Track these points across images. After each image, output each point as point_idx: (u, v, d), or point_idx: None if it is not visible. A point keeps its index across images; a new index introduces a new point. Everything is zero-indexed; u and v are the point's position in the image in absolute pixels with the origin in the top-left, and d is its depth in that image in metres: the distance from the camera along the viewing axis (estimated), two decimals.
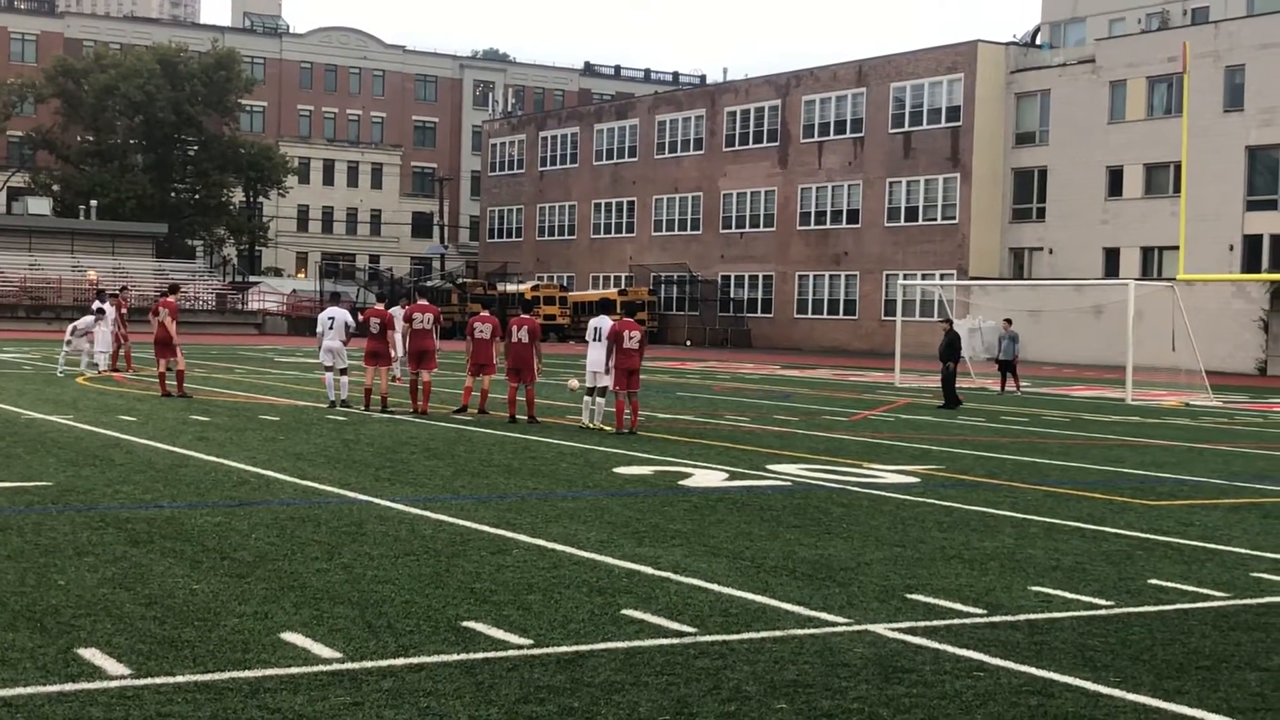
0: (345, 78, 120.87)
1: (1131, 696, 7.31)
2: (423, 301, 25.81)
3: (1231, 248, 61.62)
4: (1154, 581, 10.51)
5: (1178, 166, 56.65)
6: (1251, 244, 61.68)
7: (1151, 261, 65.67)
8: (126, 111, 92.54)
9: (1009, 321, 39.10)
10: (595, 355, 22.30)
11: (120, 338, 34.48)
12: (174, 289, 29.76)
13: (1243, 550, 12.15)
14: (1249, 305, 60.41)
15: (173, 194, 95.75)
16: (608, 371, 21.96)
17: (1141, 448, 22.56)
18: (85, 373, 32.52)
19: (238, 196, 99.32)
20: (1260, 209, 61.50)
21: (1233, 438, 25.27)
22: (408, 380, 25.74)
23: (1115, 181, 67.34)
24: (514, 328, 23.20)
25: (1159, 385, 38.73)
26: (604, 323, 22.61)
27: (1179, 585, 10.39)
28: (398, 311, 33.91)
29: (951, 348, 32.41)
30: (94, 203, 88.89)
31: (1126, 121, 66.77)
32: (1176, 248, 48.50)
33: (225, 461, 16.36)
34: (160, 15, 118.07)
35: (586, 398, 22.48)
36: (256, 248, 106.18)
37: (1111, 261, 67.14)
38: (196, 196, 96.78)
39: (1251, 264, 61.01)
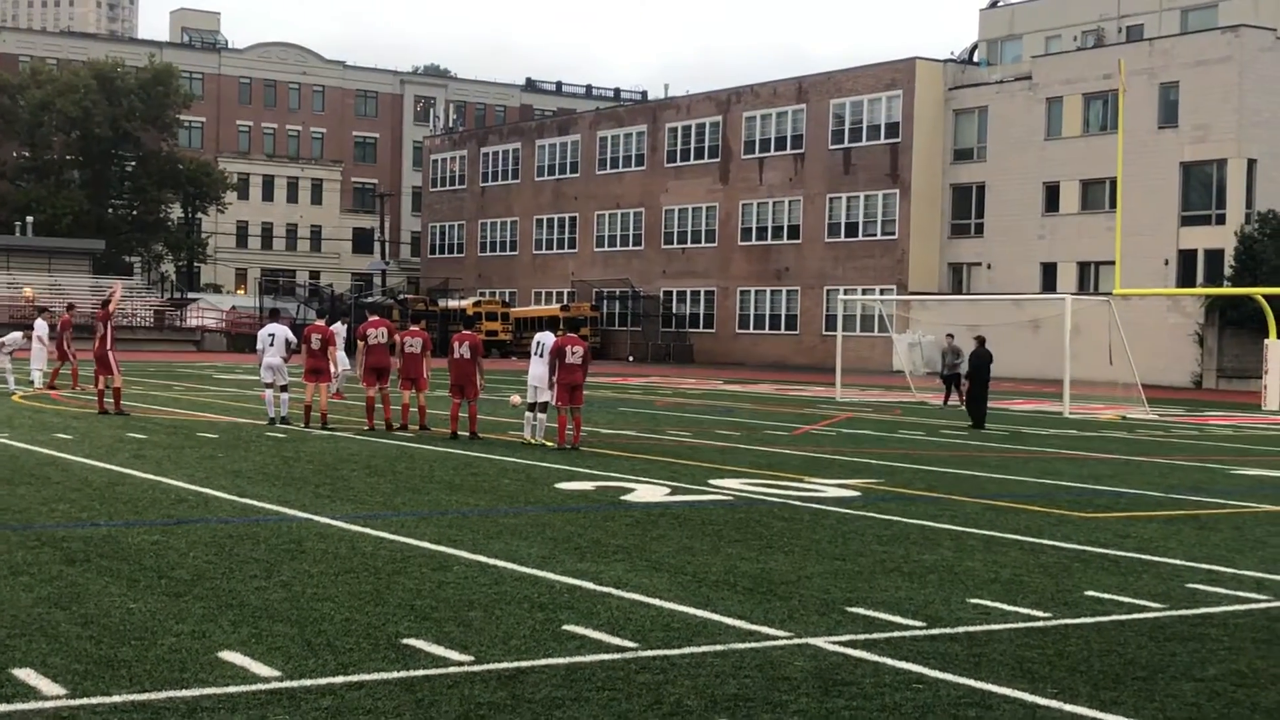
0: (285, 93, 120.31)
1: (1069, 707, 7.36)
2: (414, 327, 24.92)
3: (1167, 262, 62.34)
4: (1091, 593, 10.60)
5: (1113, 182, 57.25)
6: (1186, 259, 62.41)
7: (1088, 276, 66.32)
8: (63, 127, 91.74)
9: (951, 336, 39.33)
10: (537, 370, 22.26)
11: (69, 355, 34.18)
12: (105, 303, 29.14)
13: (1178, 562, 12.28)
14: (1184, 319, 61.10)
15: (110, 210, 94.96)
16: (550, 387, 21.94)
17: (1079, 461, 22.75)
18: (15, 391, 32.07)
19: (176, 213, 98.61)
20: (1194, 224, 62.26)
21: (1169, 450, 25.54)
22: (365, 397, 24.99)
23: (1052, 197, 67.99)
24: (456, 343, 23.13)
25: (1096, 399, 39.09)
26: (547, 338, 22.58)
27: (1115, 597, 10.48)
28: (339, 328, 33.77)
29: (980, 365, 31.18)
30: (30, 219, 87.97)
31: (1063, 138, 67.44)
32: (1113, 263, 49.00)
33: (163, 479, 16.22)
34: (97, 30, 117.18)
35: (528, 413, 22.43)
36: (195, 264, 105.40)
37: (1049, 276, 67.76)
38: (134, 213, 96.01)
39: (1186, 279, 61.73)
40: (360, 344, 24.64)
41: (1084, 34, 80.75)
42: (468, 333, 23.49)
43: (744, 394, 43.36)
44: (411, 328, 25.14)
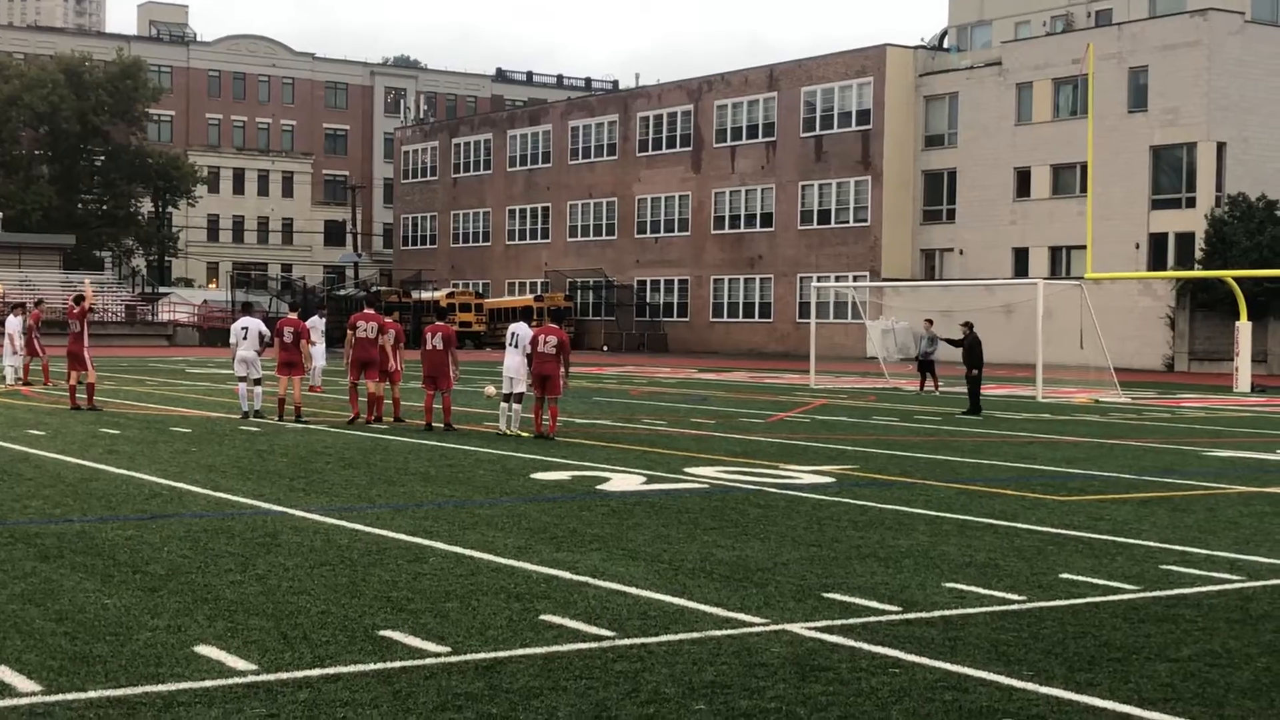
0: (254, 86, 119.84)
1: (1044, 690, 7.40)
2: (439, 322, 23.75)
3: (1138, 246, 62.60)
4: (1065, 576, 10.64)
5: (1084, 167, 57.47)
6: (1157, 242, 62.68)
7: (1060, 261, 66.56)
8: (31, 122, 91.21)
9: (930, 322, 39.35)
10: (512, 361, 22.23)
11: (39, 351, 34.08)
12: (78, 299, 28.91)
13: (1152, 544, 12.34)
14: (1155, 303, 61.38)
15: (80, 205, 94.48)
16: (528, 378, 21.96)
17: (1053, 444, 22.84)
18: None
19: (146, 207, 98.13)
20: (1165, 208, 62.52)
21: (1141, 433, 25.66)
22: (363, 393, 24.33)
23: (1023, 182, 68.19)
24: (428, 335, 23.06)
25: (1069, 383, 39.26)
26: (521, 328, 22.55)
27: (1090, 579, 10.53)
28: (316, 322, 33.60)
29: (972, 351, 30.96)
30: None
31: (1033, 123, 67.62)
32: (1084, 247, 49.19)
33: (136, 474, 16.15)
34: (65, 24, 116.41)
35: (503, 404, 22.41)
36: (166, 258, 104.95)
37: (1021, 261, 67.97)
38: (104, 207, 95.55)
39: (1157, 262, 62.01)
40: (349, 334, 24.17)
41: (1053, 19, 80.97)
42: (440, 324, 23.34)
43: (718, 382, 43.39)
44: (366, 310, 25.00)
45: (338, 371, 43.59)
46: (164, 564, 10.49)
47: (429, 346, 22.88)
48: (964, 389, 31.39)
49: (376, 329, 23.86)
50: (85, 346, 26.32)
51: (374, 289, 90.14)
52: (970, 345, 31.23)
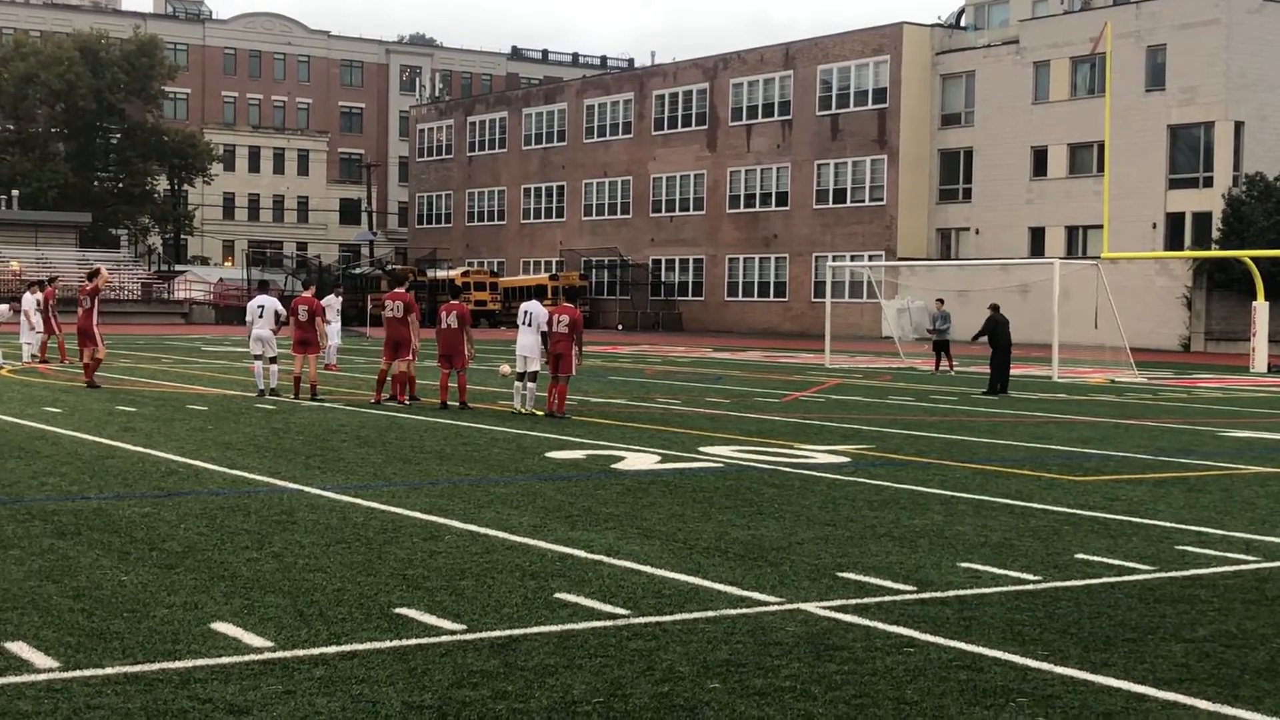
0: (270, 64, 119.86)
1: (1059, 669, 7.40)
2: (454, 301, 23.43)
3: (1155, 226, 62.40)
4: (1081, 556, 10.63)
5: (1101, 146, 57.26)
6: (1174, 222, 62.47)
7: (1076, 240, 66.38)
8: (47, 100, 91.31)
9: (941, 301, 39.25)
10: (526, 340, 22.24)
11: (55, 329, 34.22)
12: (92, 275, 28.95)
13: (1168, 524, 12.32)
14: (1172, 282, 61.19)
15: (96, 183, 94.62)
16: (543, 356, 21.99)
17: (1068, 424, 22.80)
18: (4, 365, 32.00)
19: (162, 185, 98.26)
20: (1182, 187, 62.29)
21: (1157, 413, 25.60)
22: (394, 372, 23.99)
23: (1040, 161, 67.97)
24: (444, 313, 23.06)
25: (1085, 363, 39.18)
26: (534, 306, 22.55)
27: (1105, 559, 10.51)
28: (332, 300, 33.62)
29: (996, 333, 30.51)
30: (15, 192, 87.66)
31: (1050, 102, 67.38)
32: (1100, 226, 49.01)
33: (153, 452, 16.20)
34: (81, 2, 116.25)
35: (518, 383, 22.42)
36: (182, 236, 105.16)
37: (1037, 241, 67.80)
38: (120, 185, 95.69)
39: (1174, 242, 61.81)
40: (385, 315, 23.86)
41: None
42: (455, 302, 23.29)
43: (733, 361, 43.36)
44: (397, 290, 24.85)
45: (352, 350, 43.65)
46: (181, 541, 10.53)
47: (444, 325, 22.89)
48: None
49: (403, 308, 23.53)
50: (95, 323, 26.48)
51: (389, 267, 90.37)
52: (996, 324, 30.99)
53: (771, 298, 78.25)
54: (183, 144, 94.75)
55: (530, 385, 22.19)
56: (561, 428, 20.04)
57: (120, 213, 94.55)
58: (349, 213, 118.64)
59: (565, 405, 21.97)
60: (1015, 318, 32.70)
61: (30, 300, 34.29)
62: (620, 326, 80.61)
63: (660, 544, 10.77)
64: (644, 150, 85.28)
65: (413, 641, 7.67)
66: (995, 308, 31.58)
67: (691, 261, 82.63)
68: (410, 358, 23.60)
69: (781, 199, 77.45)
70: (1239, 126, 60.91)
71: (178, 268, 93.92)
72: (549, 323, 21.79)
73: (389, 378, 23.78)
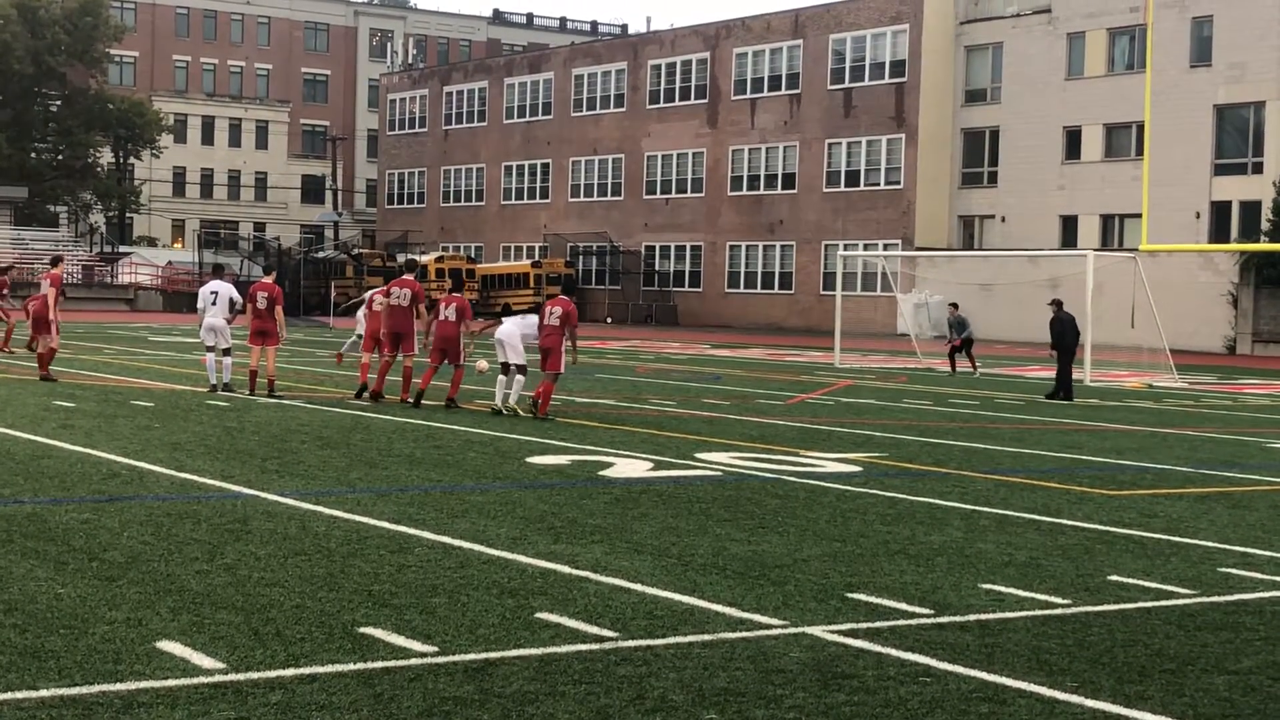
0: (226, 25, 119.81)
1: (1090, 702, 7.41)
2: (454, 293, 24.11)
3: (1198, 215, 62.53)
4: (1114, 578, 10.65)
5: (1140, 127, 57.36)
6: (1220, 211, 62.61)
7: (1112, 230, 66.50)
8: None
9: (955, 305, 39.03)
10: (507, 327, 22.29)
11: (3, 316, 34.48)
12: (56, 261, 29.13)
13: (1210, 544, 12.35)
14: (1217, 278, 61.32)
15: (33, 155, 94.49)
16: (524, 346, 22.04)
17: (1101, 433, 22.85)
18: None
19: (106, 157, 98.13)
20: (1229, 173, 62.42)
21: (1199, 422, 25.66)
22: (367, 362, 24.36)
23: (1073, 143, 68.09)
24: (442, 305, 23.17)
25: (1120, 365, 39.26)
26: (529, 317, 22.80)
27: (1141, 582, 10.54)
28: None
29: (1063, 334, 30.66)
30: None
31: (1085, 78, 67.49)
32: (1139, 215, 49.17)
33: (93, 452, 16.19)
34: None
35: (502, 376, 22.29)
36: (127, 214, 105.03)
37: (1069, 230, 67.92)
38: (59, 157, 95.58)
39: (1220, 233, 61.94)
40: (384, 301, 23.88)
41: None
42: (455, 295, 23.54)
43: (733, 359, 43.42)
44: (405, 277, 24.71)
45: (312, 342, 43.63)
46: (123, 551, 10.52)
47: (441, 317, 22.97)
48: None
49: (410, 296, 23.45)
50: (54, 315, 26.41)
51: (355, 250, 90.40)
52: (1061, 324, 30.96)
53: (776, 290, 78.35)
54: (129, 113, 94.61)
55: (519, 378, 21.98)
56: (544, 430, 20.05)
57: (59, 188, 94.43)
58: (312, 191, 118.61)
59: (549, 405, 21.97)
60: (1044, 314, 32.75)
61: None
62: (609, 319, 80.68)
63: (652, 559, 10.79)
64: (637, 126, 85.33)
65: (379, 664, 7.67)
66: (1058, 304, 31.46)
67: (688, 249, 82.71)
68: (413, 351, 23.71)
69: (788, 181, 77.52)
70: None
71: (122, 249, 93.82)
72: (541, 315, 21.87)
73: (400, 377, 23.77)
